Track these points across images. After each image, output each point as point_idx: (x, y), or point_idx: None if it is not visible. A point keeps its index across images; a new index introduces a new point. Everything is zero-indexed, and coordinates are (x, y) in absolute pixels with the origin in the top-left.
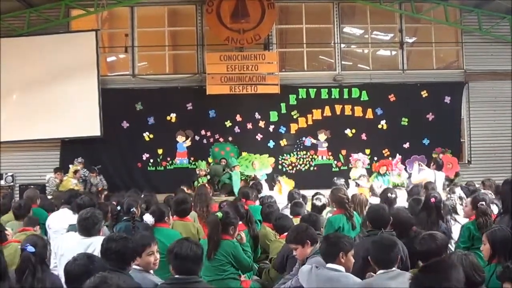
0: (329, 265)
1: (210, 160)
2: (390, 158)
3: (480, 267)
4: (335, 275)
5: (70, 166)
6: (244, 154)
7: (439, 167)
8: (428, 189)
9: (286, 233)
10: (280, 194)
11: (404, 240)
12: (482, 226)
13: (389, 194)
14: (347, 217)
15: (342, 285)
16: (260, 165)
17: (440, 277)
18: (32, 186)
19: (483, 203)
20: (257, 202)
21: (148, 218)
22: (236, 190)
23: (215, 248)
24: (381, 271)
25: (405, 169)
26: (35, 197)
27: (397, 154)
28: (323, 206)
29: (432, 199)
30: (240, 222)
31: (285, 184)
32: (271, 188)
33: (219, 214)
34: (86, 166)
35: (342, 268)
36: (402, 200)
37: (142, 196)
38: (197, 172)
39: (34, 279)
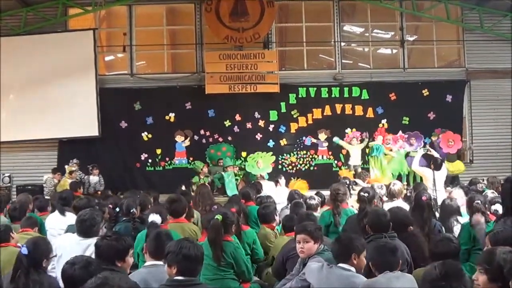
0: (341, 264)
1: (208, 161)
2: (390, 151)
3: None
4: (346, 274)
5: (66, 166)
6: (244, 153)
7: (437, 167)
8: (419, 189)
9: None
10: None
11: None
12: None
13: (361, 193)
14: (332, 214)
15: (352, 285)
16: (263, 164)
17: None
18: (29, 187)
19: (479, 201)
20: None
21: (156, 218)
22: (228, 191)
23: (221, 251)
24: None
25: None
26: (27, 203)
27: (400, 131)
28: (317, 205)
29: (424, 197)
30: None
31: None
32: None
33: (219, 217)
34: (81, 167)
35: (353, 269)
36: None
37: (138, 196)
38: (198, 171)
39: (27, 280)
